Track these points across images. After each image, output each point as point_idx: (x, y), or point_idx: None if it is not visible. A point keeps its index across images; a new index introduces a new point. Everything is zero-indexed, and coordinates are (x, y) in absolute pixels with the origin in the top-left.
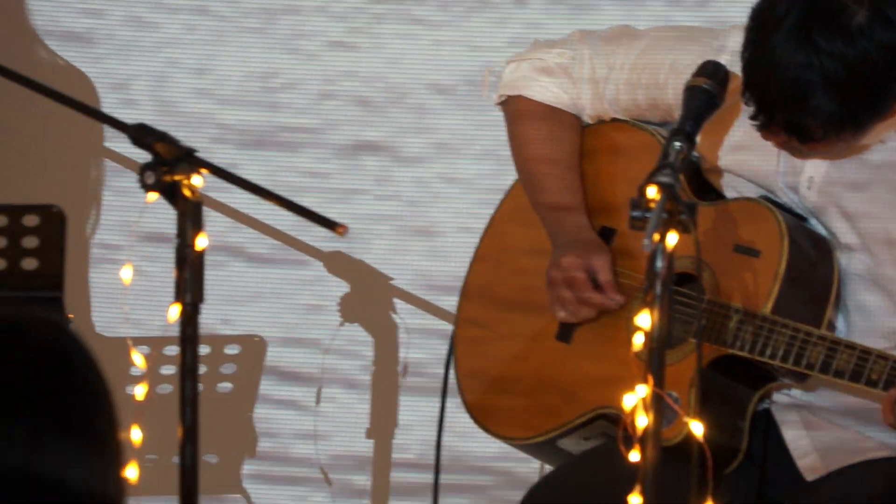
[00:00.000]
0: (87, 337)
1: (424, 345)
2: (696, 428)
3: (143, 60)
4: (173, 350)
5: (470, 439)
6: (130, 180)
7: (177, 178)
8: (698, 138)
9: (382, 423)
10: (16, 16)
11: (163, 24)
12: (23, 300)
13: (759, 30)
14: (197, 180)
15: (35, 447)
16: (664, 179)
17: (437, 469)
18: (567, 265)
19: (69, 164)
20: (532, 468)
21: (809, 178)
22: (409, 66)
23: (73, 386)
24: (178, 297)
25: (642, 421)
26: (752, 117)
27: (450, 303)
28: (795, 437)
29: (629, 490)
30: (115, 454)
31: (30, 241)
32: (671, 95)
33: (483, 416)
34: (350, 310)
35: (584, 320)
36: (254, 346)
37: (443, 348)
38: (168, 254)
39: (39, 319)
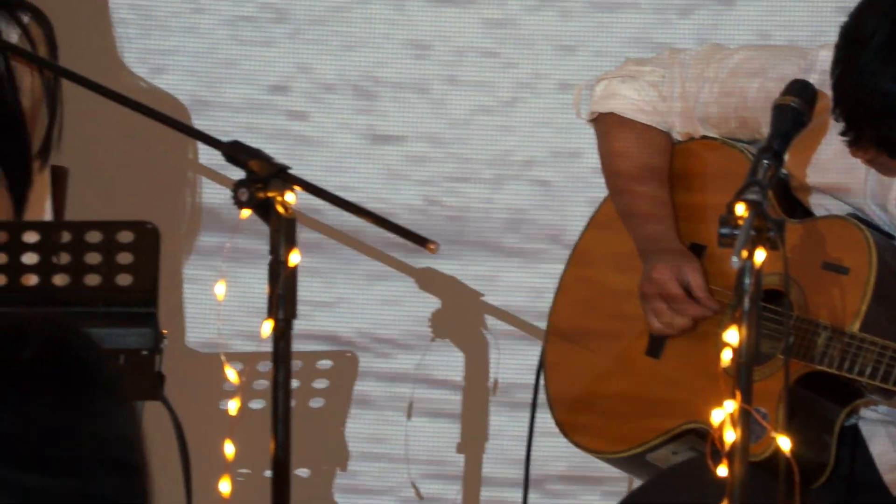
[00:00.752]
0: (180, 353)
1: (515, 360)
2: (784, 443)
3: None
4: (266, 365)
5: (559, 454)
6: (224, 197)
7: (270, 194)
8: (786, 156)
9: (473, 438)
10: (105, 44)
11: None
12: (116, 316)
13: (848, 47)
14: (290, 197)
15: (47, 442)
16: (752, 197)
17: (526, 484)
18: (659, 276)
19: (164, 181)
20: (622, 486)
21: None
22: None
23: (81, 379)
24: (271, 312)
25: (730, 436)
26: (843, 133)
27: (541, 317)
28: (882, 453)
29: None
30: (132, 453)
31: (124, 258)
32: (760, 114)
33: (573, 431)
34: (441, 325)
35: (679, 331)
36: (346, 362)
37: (533, 363)
38: (261, 270)
39: (39, 319)
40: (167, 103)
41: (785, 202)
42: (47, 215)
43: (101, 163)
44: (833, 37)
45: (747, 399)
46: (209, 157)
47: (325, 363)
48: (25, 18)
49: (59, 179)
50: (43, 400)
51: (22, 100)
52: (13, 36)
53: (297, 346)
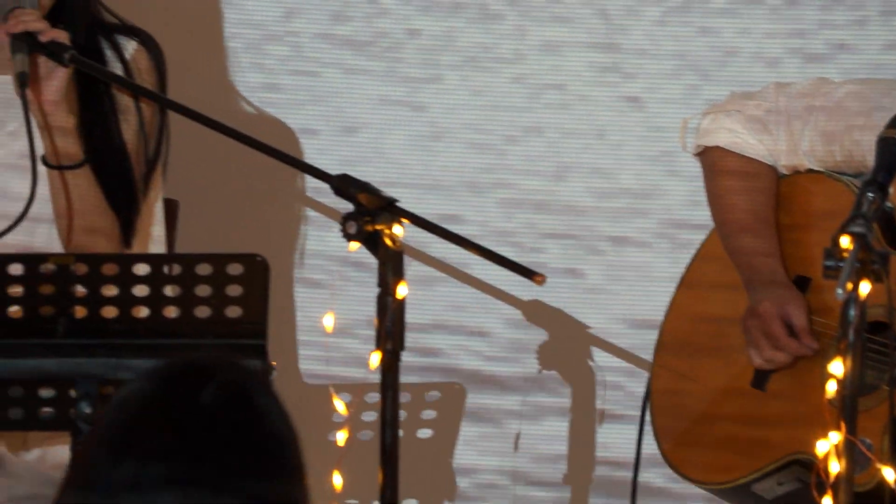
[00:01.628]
0: (290, 384)
1: (621, 392)
2: (889, 474)
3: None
4: (374, 397)
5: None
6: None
7: (378, 227)
8: (891, 189)
9: (580, 470)
10: (217, 71)
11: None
12: (227, 348)
13: None
14: (398, 230)
15: (222, 488)
16: (857, 229)
17: None
18: (763, 312)
19: (273, 214)
20: None
21: None
22: None
23: (258, 426)
24: (379, 344)
25: (835, 467)
26: None
27: (647, 350)
28: None
29: None
30: (301, 494)
31: (234, 290)
32: (865, 147)
33: (679, 462)
34: (548, 357)
35: (779, 367)
36: (454, 393)
37: (639, 395)
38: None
39: (226, 363)
40: (278, 131)
41: (889, 234)
42: (159, 247)
43: (211, 195)
44: None
45: (852, 430)
46: (318, 189)
47: (434, 394)
48: (133, 45)
49: (170, 212)
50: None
51: (125, 130)
52: (118, 64)
53: (405, 377)
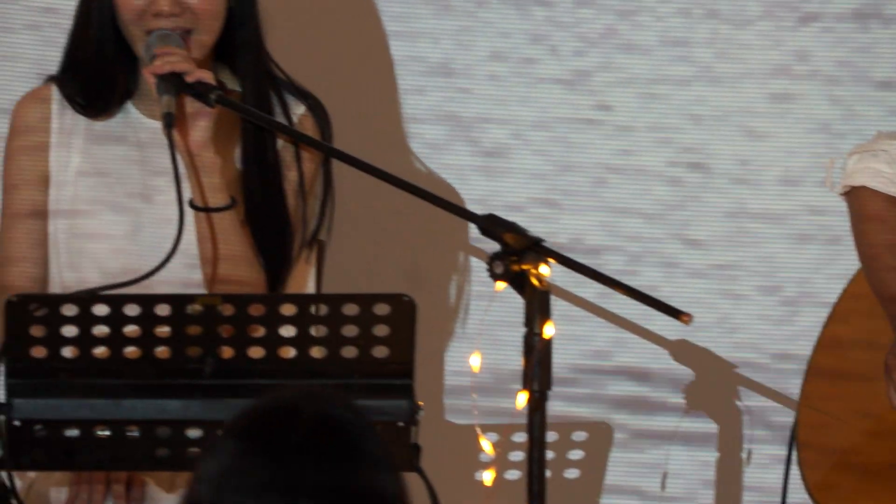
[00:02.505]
0: (437, 423)
1: (769, 431)
2: None
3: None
4: (521, 436)
5: None
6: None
7: (525, 267)
8: None
9: None
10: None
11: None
12: (373, 388)
13: None
14: (544, 269)
15: None
16: None
17: None
18: None
19: (420, 254)
20: None
21: None
22: None
23: (351, 456)
24: (526, 384)
25: None
26: None
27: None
28: None
29: None
30: None
31: (381, 330)
32: None
33: (825, 496)
34: (695, 397)
35: None
36: (601, 433)
37: (785, 434)
38: (517, 341)
39: (314, 396)
40: (423, 172)
41: None
42: (310, 287)
43: (359, 235)
44: None
45: None
46: (466, 228)
47: (580, 434)
48: (302, 109)
49: (318, 252)
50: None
51: (286, 187)
52: (292, 118)
53: (552, 416)
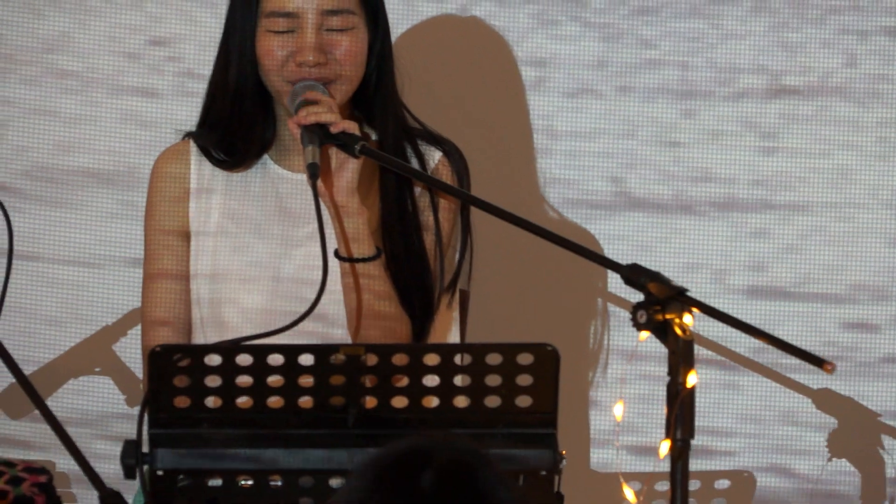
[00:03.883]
0: (580, 472)
1: None
2: None
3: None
4: (664, 485)
5: None
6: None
7: (668, 316)
8: None
9: None
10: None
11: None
12: (516, 437)
13: None
14: (688, 319)
15: None
16: None
17: None
18: None
19: (563, 303)
20: None
21: None
22: None
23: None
24: (669, 433)
25: None
26: None
27: None
28: None
29: None
30: None
31: (524, 380)
32: None
33: None
34: (838, 446)
35: None
36: (743, 481)
37: None
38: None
39: (445, 444)
40: (577, 233)
41: None
42: (454, 336)
43: (501, 283)
44: None
45: None
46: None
47: (723, 483)
48: (438, 155)
49: (461, 302)
50: None
51: (425, 235)
52: (428, 166)
53: (695, 464)
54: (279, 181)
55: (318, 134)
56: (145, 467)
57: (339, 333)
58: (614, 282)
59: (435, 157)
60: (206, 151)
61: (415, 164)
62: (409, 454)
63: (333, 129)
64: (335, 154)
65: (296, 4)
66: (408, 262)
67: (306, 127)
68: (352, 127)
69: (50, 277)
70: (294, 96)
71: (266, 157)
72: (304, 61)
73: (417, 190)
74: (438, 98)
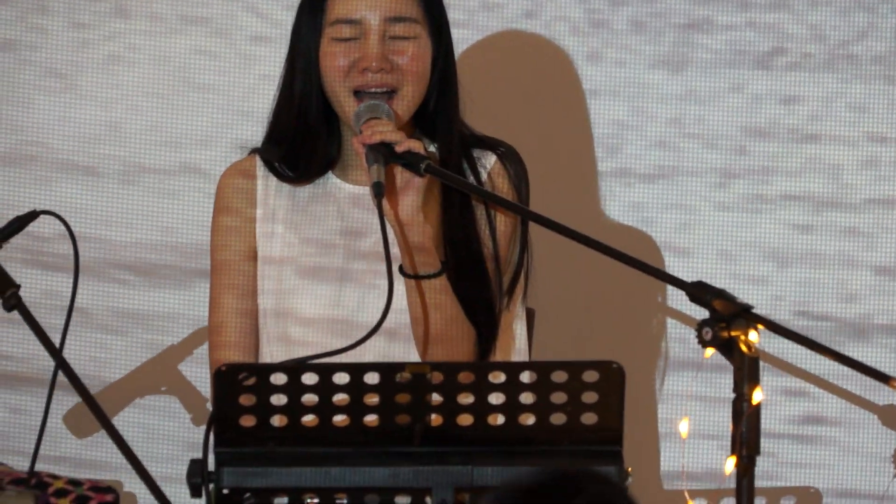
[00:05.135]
0: (647, 489)
1: None
2: None
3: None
4: (730, 502)
5: None
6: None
7: (734, 333)
8: None
9: None
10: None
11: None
12: (581, 454)
13: None
14: (753, 336)
15: None
16: None
17: None
18: None
19: (628, 321)
20: None
21: None
22: None
23: None
24: (735, 449)
25: None
26: None
27: None
28: None
29: None
30: None
31: (589, 397)
32: None
33: None
34: None
35: None
36: (810, 498)
37: None
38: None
39: (593, 475)
40: (640, 243)
41: None
42: (521, 357)
43: (568, 303)
44: None
45: None
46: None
47: (789, 500)
48: (493, 159)
49: (526, 320)
50: None
51: (484, 241)
52: (470, 176)
53: (760, 482)
54: (341, 194)
55: (383, 153)
56: (211, 486)
57: (404, 350)
58: (675, 296)
59: (490, 161)
60: (271, 167)
61: (467, 171)
62: (558, 482)
63: (398, 148)
64: (400, 173)
65: (360, 12)
66: (471, 276)
67: (371, 146)
68: (416, 146)
69: (115, 295)
70: (358, 117)
71: (330, 172)
72: (369, 67)
73: (476, 202)
74: (497, 110)
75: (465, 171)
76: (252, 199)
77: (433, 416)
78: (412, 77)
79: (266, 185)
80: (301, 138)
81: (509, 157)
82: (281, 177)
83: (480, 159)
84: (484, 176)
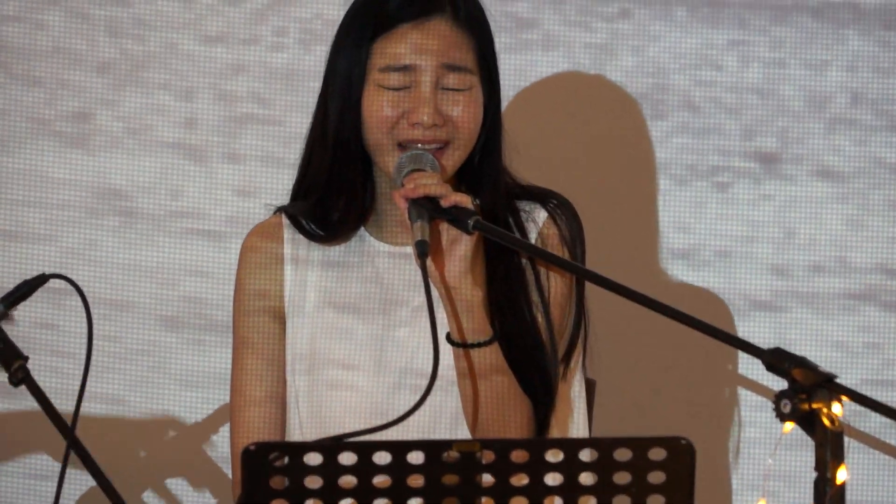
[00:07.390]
0: None
1: None
2: None
3: None
4: None
5: None
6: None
7: (815, 406)
8: None
9: None
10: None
11: None
12: None
13: None
14: (837, 408)
15: None
16: None
17: None
18: None
19: (700, 393)
20: None
21: None
22: None
23: None
24: None
25: None
26: None
27: None
28: None
29: None
30: None
31: (656, 477)
32: None
33: None
34: None
35: None
36: None
37: None
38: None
39: None
40: (710, 305)
41: None
42: (580, 432)
43: (630, 373)
44: None
45: None
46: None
47: None
48: (543, 214)
49: (586, 392)
50: None
51: (535, 311)
52: (532, 230)
53: None
54: (377, 257)
55: (428, 208)
56: None
57: (451, 426)
58: (749, 363)
59: (540, 216)
60: (298, 224)
61: (512, 224)
62: None
63: (444, 203)
64: (446, 230)
65: (413, 57)
66: (523, 345)
67: (414, 200)
68: (464, 200)
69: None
70: (400, 168)
71: (363, 230)
72: (420, 122)
73: (523, 261)
74: (551, 155)
75: (511, 227)
76: (279, 260)
77: (483, 499)
78: (465, 132)
79: (294, 244)
80: (333, 189)
81: (561, 212)
82: (310, 235)
83: (530, 213)
84: (534, 232)
